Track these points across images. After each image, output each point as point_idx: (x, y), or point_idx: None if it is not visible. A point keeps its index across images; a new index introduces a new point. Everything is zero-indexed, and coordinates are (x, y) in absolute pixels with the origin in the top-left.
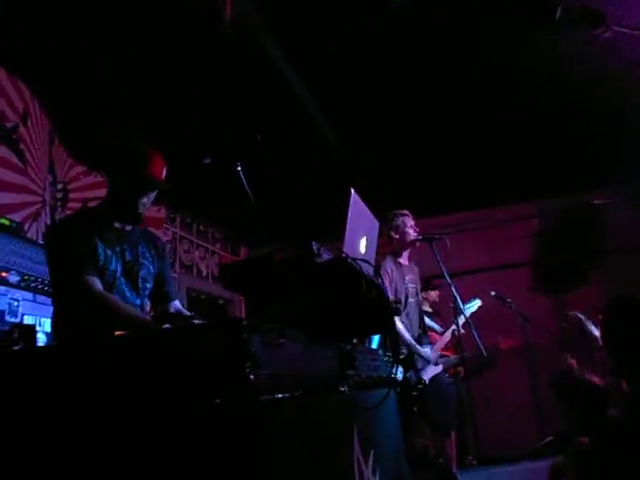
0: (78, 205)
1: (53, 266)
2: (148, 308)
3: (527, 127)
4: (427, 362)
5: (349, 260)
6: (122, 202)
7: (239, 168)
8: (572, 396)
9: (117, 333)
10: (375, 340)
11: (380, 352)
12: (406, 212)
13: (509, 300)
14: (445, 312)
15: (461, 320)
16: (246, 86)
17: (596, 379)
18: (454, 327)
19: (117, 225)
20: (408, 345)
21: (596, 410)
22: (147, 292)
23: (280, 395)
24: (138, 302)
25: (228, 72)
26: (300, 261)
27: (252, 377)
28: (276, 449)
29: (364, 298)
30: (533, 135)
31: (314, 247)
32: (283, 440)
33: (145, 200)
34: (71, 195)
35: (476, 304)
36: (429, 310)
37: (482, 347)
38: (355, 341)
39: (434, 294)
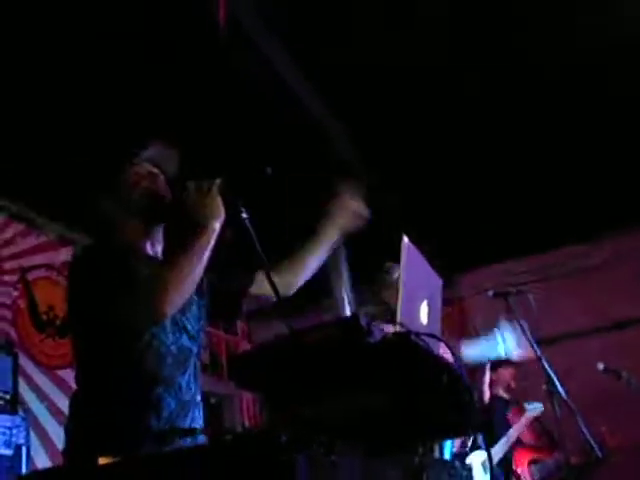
0: (14, 277)
1: None
2: None
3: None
4: None
5: (411, 337)
6: None
7: (245, 215)
8: None
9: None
10: (448, 448)
11: (457, 464)
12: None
13: (624, 374)
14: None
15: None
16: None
17: None
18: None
19: None
20: None
21: None
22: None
23: None
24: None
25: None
26: (344, 343)
27: None
28: None
29: (434, 388)
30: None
31: (363, 322)
32: None
33: None
34: (6, 264)
35: (538, 409)
36: (504, 396)
37: (592, 441)
38: (423, 450)
39: (507, 373)
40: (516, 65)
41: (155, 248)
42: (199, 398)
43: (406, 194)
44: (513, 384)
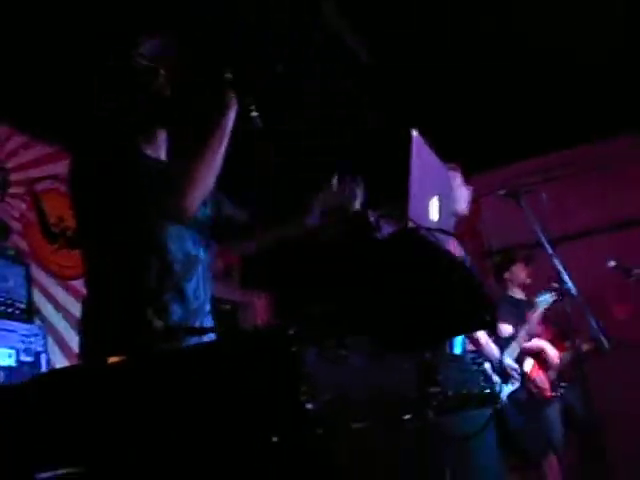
0: (22, 190)
1: None
2: None
3: None
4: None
5: (421, 231)
6: None
7: (255, 114)
8: None
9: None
10: (458, 343)
11: (468, 359)
12: (454, 166)
13: (637, 271)
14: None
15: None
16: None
17: None
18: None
19: None
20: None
21: None
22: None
23: (346, 426)
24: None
25: None
26: (353, 239)
27: (310, 406)
28: None
29: (444, 283)
30: None
31: (371, 218)
32: None
33: None
34: (12, 176)
35: (548, 300)
36: (520, 297)
37: (602, 334)
38: (434, 347)
39: (521, 271)
40: None
41: (157, 152)
42: (208, 307)
43: (414, 99)
44: (528, 282)
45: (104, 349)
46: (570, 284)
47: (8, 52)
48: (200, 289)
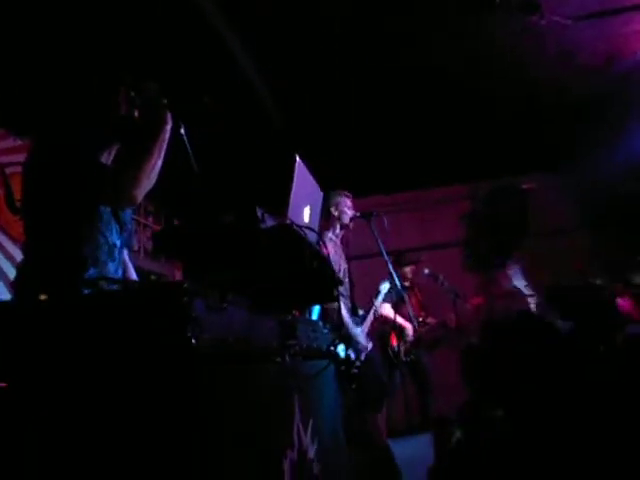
0: None
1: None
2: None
3: (460, 112)
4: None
5: (293, 227)
6: None
7: (182, 131)
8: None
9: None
10: (315, 311)
11: (320, 324)
12: (347, 193)
13: (441, 278)
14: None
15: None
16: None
17: None
18: (375, 307)
19: None
20: (345, 323)
21: None
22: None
23: (222, 360)
24: (118, 243)
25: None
26: (243, 226)
27: (194, 341)
28: (217, 415)
29: (307, 266)
30: (466, 120)
31: (258, 212)
32: (224, 405)
33: None
34: None
35: (386, 287)
36: (407, 285)
37: (415, 321)
38: (296, 311)
39: (408, 270)
40: None
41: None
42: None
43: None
44: (410, 276)
45: (32, 292)
46: (399, 283)
47: None
48: (119, 269)
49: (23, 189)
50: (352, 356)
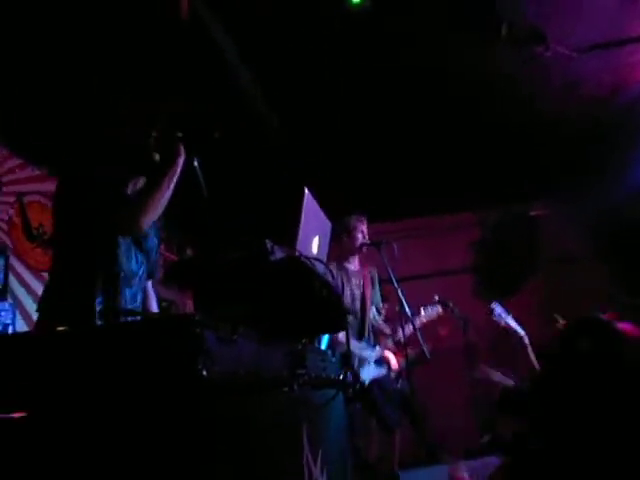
0: (11, 199)
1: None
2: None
3: (470, 140)
4: (366, 363)
5: (302, 259)
6: None
7: (196, 164)
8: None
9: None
10: (324, 340)
11: (329, 353)
12: (361, 218)
13: (450, 304)
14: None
15: (412, 323)
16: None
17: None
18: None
19: None
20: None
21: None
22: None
23: (232, 392)
24: (139, 271)
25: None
26: (253, 259)
27: (205, 373)
28: (226, 447)
29: (316, 297)
30: (476, 148)
31: (267, 245)
32: (235, 437)
33: None
34: (4, 188)
35: (435, 310)
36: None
37: (426, 350)
38: (305, 341)
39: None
40: None
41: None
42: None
43: (303, 156)
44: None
45: (54, 323)
46: (408, 310)
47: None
48: (137, 295)
49: (52, 221)
50: (349, 378)
